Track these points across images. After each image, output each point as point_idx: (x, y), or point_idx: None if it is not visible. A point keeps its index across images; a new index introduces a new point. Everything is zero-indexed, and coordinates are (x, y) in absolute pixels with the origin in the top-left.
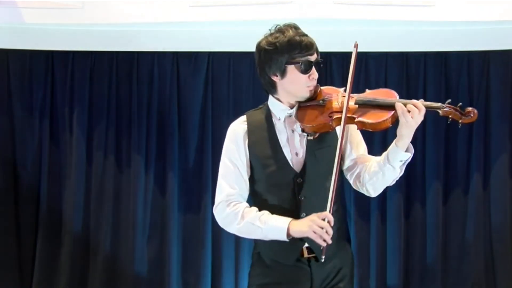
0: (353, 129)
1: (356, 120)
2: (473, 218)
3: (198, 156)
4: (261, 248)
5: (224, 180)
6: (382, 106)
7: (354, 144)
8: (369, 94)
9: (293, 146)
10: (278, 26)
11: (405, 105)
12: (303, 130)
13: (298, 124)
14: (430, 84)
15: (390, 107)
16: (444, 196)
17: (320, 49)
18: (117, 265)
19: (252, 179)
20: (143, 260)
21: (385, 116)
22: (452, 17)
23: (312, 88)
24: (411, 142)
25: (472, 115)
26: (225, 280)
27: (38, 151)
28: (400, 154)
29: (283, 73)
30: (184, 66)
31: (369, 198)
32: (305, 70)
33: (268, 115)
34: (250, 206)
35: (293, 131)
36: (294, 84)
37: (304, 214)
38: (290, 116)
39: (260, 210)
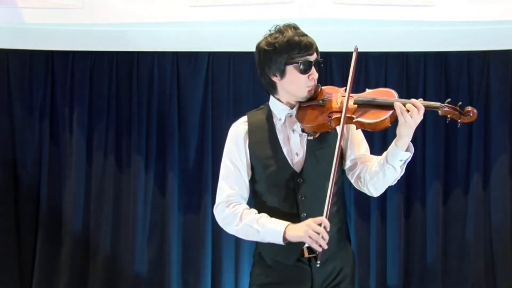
0: (354, 129)
1: (355, 120)
2: (473, 218)
3: (198, 156)
4: (262, 248)
5: (224, 180)
6: (381, 106)
7: (355, 144)
8: (368, 94)
9: (293, 146)
10: (278, 27)
11: (404, 104)
12: (303, 130)
13: (298, 124)
14: (430, 84)
15: (389, 106)
16: (444, 196)
17: (320, 49)
18: (117, 265)
19: (252, 179)
20: (143, 260)
21: (384, 115)
22: (452, 17)
23: (311, 88)
24: (411, 141)
25: (471, 114)
26: (225, 280)
27: (38, 151)
28: (400, 153)
29: (282, 74)
30: (184, 66)
31: (369, 198)
32: (304, 70)
33: (269, 115)
34: (251, 206)
35: (293, 131)
36: (294, 84)
37: (304, 214)
38: (290, 116)
39: (260, 210)
